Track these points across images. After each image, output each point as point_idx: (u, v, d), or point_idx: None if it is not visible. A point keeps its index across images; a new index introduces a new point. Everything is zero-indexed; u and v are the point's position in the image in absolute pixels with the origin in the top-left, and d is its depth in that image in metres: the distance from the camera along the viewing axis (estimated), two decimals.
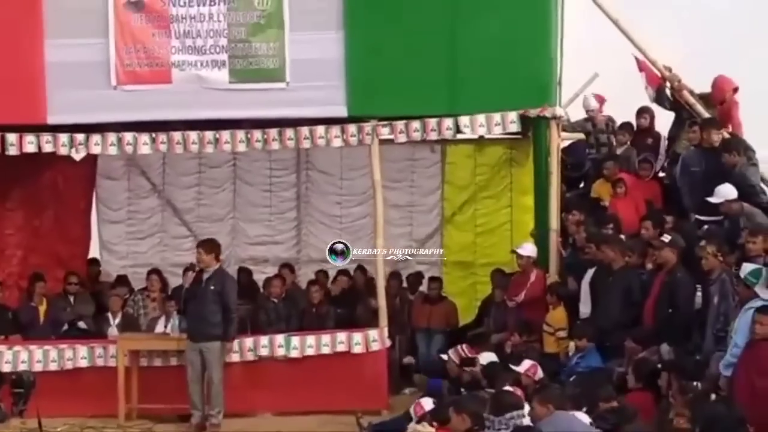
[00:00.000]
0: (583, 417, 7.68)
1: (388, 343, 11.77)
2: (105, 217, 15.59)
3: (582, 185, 13.35)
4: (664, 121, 12.71)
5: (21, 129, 11.70)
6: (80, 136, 11.74)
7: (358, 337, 11.61)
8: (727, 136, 11.34)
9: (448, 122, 11.67)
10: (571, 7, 12.26)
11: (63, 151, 11.84)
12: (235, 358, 11.40)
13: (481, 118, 11.66)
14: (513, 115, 11.66)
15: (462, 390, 10.20)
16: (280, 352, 11.58)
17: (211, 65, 11.67)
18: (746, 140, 11.34)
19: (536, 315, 11.41)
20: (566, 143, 12.76)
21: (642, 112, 12.69)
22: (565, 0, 12.12)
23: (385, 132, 11.77)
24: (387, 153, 13.00)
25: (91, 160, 14.53)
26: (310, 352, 11.58)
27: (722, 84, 11.96)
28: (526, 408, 7.66)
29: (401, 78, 11.59)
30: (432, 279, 13.97)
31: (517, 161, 14.48)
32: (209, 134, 11.76)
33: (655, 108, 12.69)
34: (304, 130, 11.76)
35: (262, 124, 11.84)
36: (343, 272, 13.88)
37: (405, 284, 14.01)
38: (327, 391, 11.38)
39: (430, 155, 15.17)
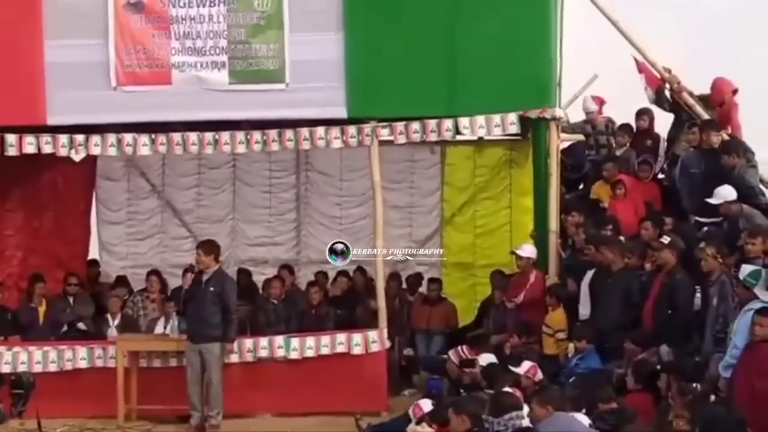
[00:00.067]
0: (582, 418, 7.69)
1: (387, 344, 11.77)
2: (104, 218, 15.59)
3: (581, 187, 13.34)
4: (663, 122, 12.72)
5: (20, 130, 11.70)
6: (80, 137, 11.74)
7: (357, 338, 11.61)
8: (726, 137, 11.35)
9: (448, 123, 11.67)
10: (571, 8, 12.28)
11: (62, 152, 11.82)
12: (234, 359, 11.40)
13: (480, 119, 11.66)
14: (512, 117, 11.66)
15: (462, 391, 10.21)
16: (280, 353, 11.57)
17: (210, 66, 11.66)
18: (745, 142, 11.35)
19: (536, 316, 11.40)
20: (566, 144, 12.75)
21: (641, 113, 12.69)
22: (564, 1, 12.13)
23: (384, 133, 11.77)
24: (386, 154, 13.00)
25: (91, 161, 14.52)
26: (309, 353, 11.57)
27: (721, 86, 11.96)
28: (525, 409, 7.67)
29: (401, 79, 11.58)
30: (431, 280, 13.97)
31: (516, 162, 14.48)
32: (209, 135, 11.75)
33: (655, 109, 12.69)
34: (304, 131, 11.76)
35: (262, 125, 11.84)
36: (342, 273, 13.88)
37: (404, 285, 14.01)
38: (326, 392, 11.37)
39: (430, 156, 15.17)
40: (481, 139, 13.66)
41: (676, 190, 11.63)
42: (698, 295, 9.55)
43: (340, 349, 11.58)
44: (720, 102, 11.93)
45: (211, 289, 11.06)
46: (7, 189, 13.45)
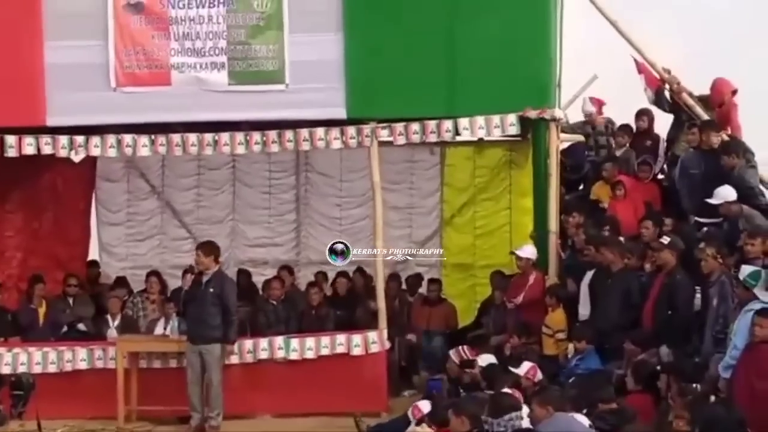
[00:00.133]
0: (582, 419, 7.68)
1: (387, 344, 11.77)
2: (104, 218, 15.59)
3: (581, 187, 13.33)
4: (663, 123, 12.72)
5: (20, 131, 11.70)
6: (79, 138, 11.74)
7: (357, 339, 11.60)
8: (726, 138, 11.35)
9: (448, 124, 11.66)
10: (571, 9, 12.28)
11: (62, 153, 11.82)
12: (234, 360, 11.40)
13: (480, 120, 11.65)
14: (512, 117, 11.65)
15: (461, 391, 10.21)
16: (280, 354, 11.57)
17: (210, 67, 11.66)
18: (745, 142, 11.36)
19: (535, 317, 11.40)
20: (565, 145, 12.74)
21: (641, 114, 12.69)
22: (564, 1, 12.13)
23: (384, 134, 11.77)
24: (386, 155, 13.00)
25: (91, 162, 14.52)
26: (309, 354, 11.57)
27: (721, 86, 11.96)
28: (525, 410, 7.67)
29: (400, 80, 11.58)
30: (431, 281, 13.97)
31: (516, 163, 14.49)
32: (208, 136, 11.75)
33: (654, 110, 12.69)
34: (304, 132, 11.76)
35: (262, 126, 11.85)
36: (342, 274, 13.87)
37: (404, 286, 14.02)
38: (326, 393, 11.37)
39: (430, 157, 15.17)
40: (480, 139, 13.63)
41: (675, 191, 11.63)
42: (698, 295, 9.55)
43: (340, 349, 11.58)
44: (720, 102, 11.93)
45: (211, 290, 11.06)
46: (7, 190, 13.46)
